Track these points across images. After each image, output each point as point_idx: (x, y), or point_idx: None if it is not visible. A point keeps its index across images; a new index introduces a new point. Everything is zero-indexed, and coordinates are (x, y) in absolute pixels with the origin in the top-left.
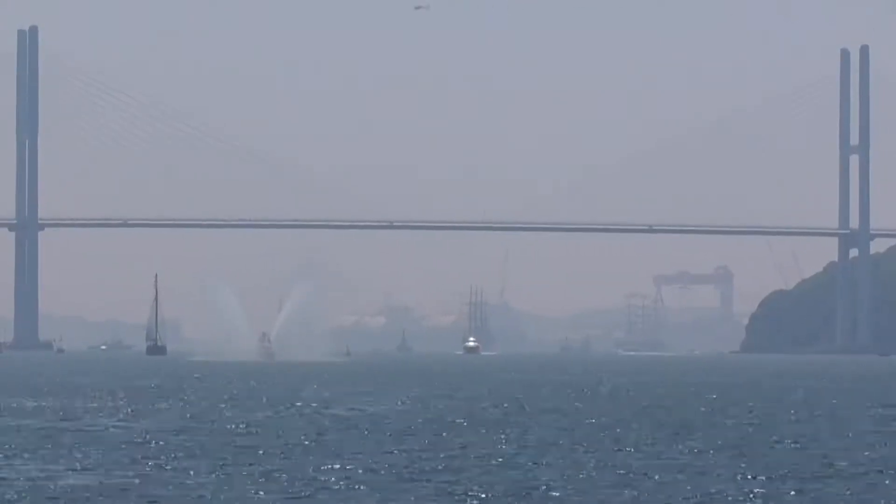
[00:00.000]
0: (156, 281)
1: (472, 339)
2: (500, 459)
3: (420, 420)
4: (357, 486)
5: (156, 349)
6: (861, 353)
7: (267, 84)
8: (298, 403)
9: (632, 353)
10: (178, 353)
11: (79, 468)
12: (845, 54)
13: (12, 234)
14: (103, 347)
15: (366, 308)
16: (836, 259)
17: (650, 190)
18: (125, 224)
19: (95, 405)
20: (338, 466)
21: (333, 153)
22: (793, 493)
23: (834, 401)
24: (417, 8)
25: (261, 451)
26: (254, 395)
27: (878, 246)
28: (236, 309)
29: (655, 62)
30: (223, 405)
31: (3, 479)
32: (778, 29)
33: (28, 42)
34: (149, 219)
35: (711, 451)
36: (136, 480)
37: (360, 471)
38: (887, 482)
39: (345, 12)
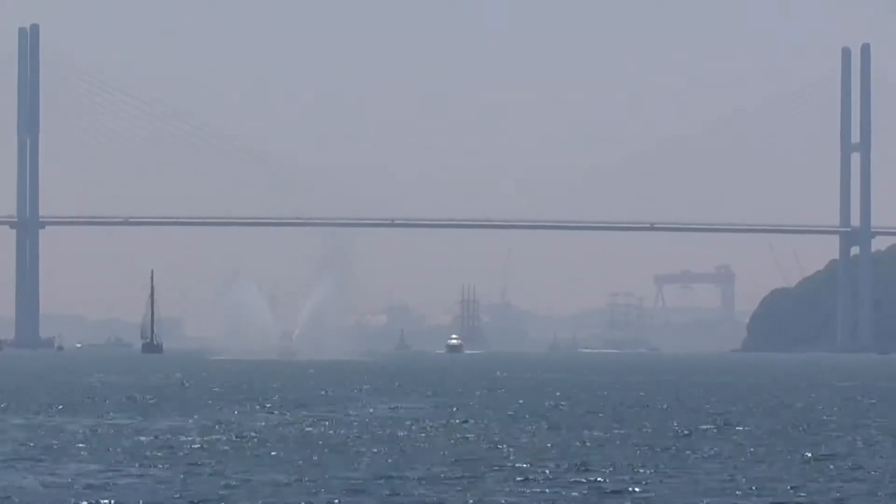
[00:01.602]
0: (151, 277)
1: (454, 336)
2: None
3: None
4: None
5: (151, 347)
6: (862, 352)
7: (267, 83)
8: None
9: (590, 350)
10: (194, 352)
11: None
12: (846, 53)
13: (13, 233)
14: (78, 345)
15: (367, 306)
16: (837, 257)
17: (651, 189)
18: (126, 222)
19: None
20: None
21: (334, 152)
22: None
23: None
24: None
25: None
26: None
27: (879, 244)
28: (263, 307)
29: (656, 62)
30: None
31: None
32: (778, 29)
33: (29, 41)
34: (149, 217)
35: None
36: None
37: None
38: None
39: (345, 12)
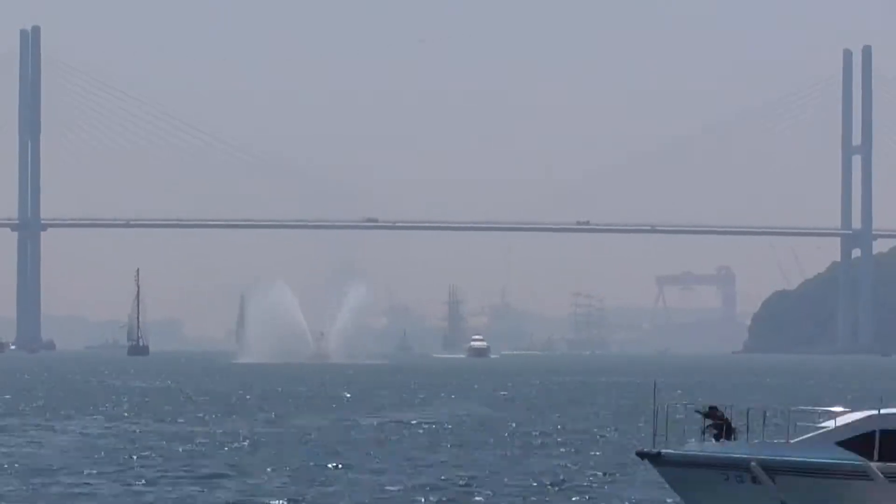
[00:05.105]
0: (137, 276)
1: (477, 336)
2: None
3: None
4: None
5: (137, 349)
6: (863, 353)
7: (267, 83)
8: None
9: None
10: (218, 354)
11: None
12: (847, 55)
13: (15, 235)
14: (12, 347)
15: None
16: (838, 259)
17: (652, 190)
18: (127, 225)
19: None
20: None
21: (335, 153)
22: None
23: None
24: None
25: None
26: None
27: (880, 246)
28: (297, 309)
29: (657, 63)
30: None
31: None
32: (779, 30)
33: (30, 42)
34: (151, 219)
35: None
36: None
37: None
38: None
39: (346, 11)
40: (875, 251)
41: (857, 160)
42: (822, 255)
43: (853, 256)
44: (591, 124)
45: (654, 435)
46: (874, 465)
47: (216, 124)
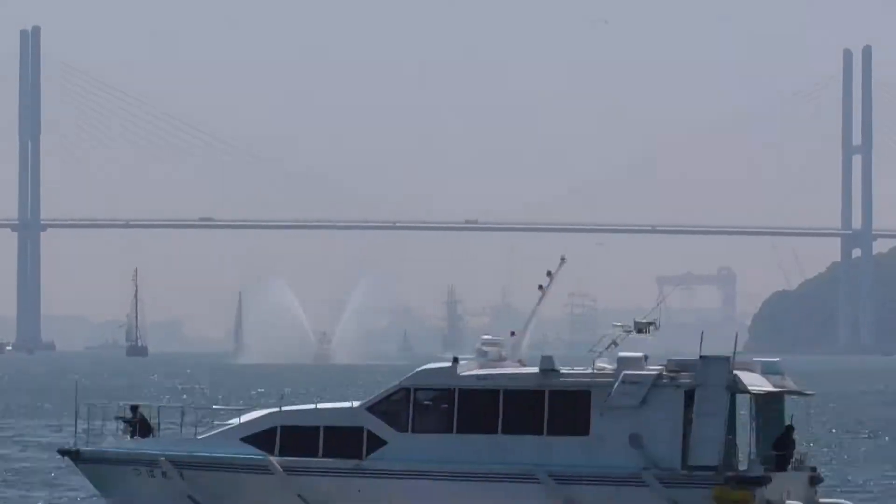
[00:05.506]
0: (135, 276)
1: (487, 337)
2: None
3: None
4: None
5: (136, 350)
6: (864, 353)
7: (267, 83)
8: None
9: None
10: (219, 355)
11: None
12: (847, 55)
13: (15, 235)
14: (9, 348)
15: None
16: (838, 259)
17: (653, 191)
18: (127, 224)
19: None
20: None
21: (335, 153)
22: None
23: None
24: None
25: None
26: None
27: (880, 246)
28: (299, 309)
29: (657, 62)
30: None
31: None
32: (780, 30)
33: (30, 42)
34: (151, 219)
35: None
36: None
37: None
38: None
39: (347, 11)
40: (875, 251)
41: (857, 160)
42: (822, 255)
43: (853, 256)
44: (591, 124)
45: (76, 433)
46: (274, 459)
47: (216, 124)
